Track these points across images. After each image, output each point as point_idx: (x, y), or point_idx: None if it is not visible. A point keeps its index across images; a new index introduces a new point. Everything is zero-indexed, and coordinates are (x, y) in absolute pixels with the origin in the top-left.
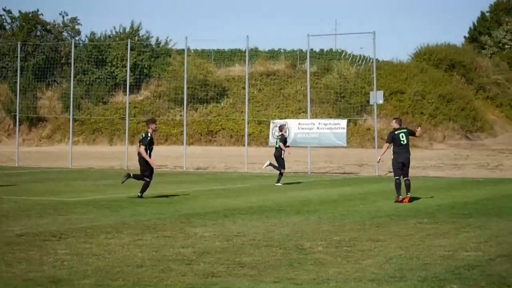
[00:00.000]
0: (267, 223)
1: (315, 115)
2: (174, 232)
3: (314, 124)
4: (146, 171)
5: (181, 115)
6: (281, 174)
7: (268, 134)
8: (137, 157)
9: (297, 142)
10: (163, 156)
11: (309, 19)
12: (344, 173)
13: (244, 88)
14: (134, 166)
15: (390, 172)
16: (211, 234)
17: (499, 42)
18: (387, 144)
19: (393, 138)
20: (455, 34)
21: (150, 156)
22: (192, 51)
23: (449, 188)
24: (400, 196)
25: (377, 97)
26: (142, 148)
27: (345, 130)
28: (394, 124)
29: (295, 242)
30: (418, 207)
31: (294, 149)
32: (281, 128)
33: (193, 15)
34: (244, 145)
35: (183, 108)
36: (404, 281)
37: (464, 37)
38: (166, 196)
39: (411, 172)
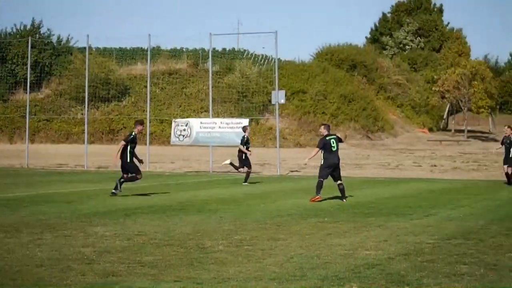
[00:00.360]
0: (168, 222)
1: (217, 114)
2: (74, 231)
3: (216, 123)
4: (127, 168)
5: (82, 114)
6: (248, 173)
7: (170, 133)
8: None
9: (199, 141)
10: (64, 154)
11: (211, 18)
12: None
13: (146, 86)
14: (34, 165)
15: (292, 171)
16: (112, 233)
17: (400, 43)
18: (317, 149)
19: (324, 144)
20: (357, 35)
21: (133, 155)
22: (94, 49)
23: (351, 188)
24: (320, 196)
25: (278, 96)
26: (122, 143)
27: None
28: (323, 130)
29: (196, 241)
30: (320, 206)
31: (195, 148)
32: (244, 129)
33: (95, 13)
34: (146, 144)
35: (85, 106)
36: (305, 280)
37: (366, 37)
38: (67, 194)
39: (309, 171)
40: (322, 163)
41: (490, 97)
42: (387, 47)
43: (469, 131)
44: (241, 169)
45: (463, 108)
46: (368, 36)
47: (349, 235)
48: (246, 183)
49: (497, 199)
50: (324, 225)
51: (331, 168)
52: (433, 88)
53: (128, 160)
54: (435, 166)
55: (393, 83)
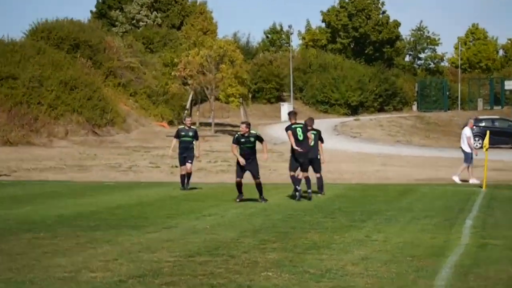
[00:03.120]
0: None
1: None
2: None
3: None
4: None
5: None
6: None
7: None
8: None
9: None
10: None
11: None
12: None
13: None
14: None
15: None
16: None
17: (133, 18)
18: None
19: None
20: (80, 9)
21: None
22: None
23: (72, 195)
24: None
25: None
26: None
27: None
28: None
29: None
30: (34, 218)
31: None
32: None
33: None
34: None
35: None
36: None
37: (91, 11)
38: None
39: (22, 174)
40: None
41: (242, 83)
42: (117, 23)
43: (217, 124)
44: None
45: (209, 96)
46: (94, 10)
47: (71, 254)
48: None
49: (251, 207)
50: (40, 241)
51: (300, 160)
52: (173, 73)
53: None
54: (176, 166)
55: (124, 66)
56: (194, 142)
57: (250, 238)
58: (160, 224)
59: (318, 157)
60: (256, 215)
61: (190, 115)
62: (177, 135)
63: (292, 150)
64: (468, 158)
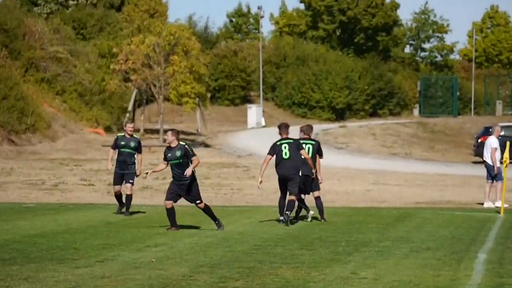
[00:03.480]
0: None
1: None
2: None
3: None
4: None
5: None
6: None
7: None
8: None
9: None
10: None
11: None
12: None
13: None
14: None
15: None
16: None
17: None
18: (267, 157)
19: (274, 151)
20: None
21: None
22: None
23: None
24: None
25: None
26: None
27: None
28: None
29: None
30: None
31: None
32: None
33: None
34: None
35: None
36: None
37: None
38: None
39: None
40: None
41: (198, 80)
42: (40, 1)
43: (167, 131)
44: None
45: (157, 96)
46: None
47: None
48: None
49: (207, 235)
50: None
51: (283, 182)
52: (112, 66)
53: None
54: None
55: (49, 57)
56: (135, 155)
57: (207, 274)
58: (93, 256)
59: (313, 175)
60: (214, 246)
61: (132, 119)
62: (115, 145)
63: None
64: (499, 173)
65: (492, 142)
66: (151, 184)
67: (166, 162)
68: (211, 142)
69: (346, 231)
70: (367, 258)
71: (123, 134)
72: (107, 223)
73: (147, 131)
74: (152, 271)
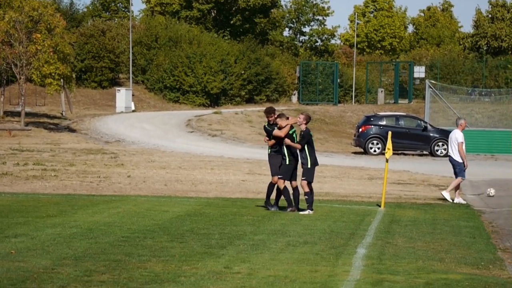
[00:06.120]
0: None
1: None
2: None
3: None
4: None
5: None
6: None
7: None
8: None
9: None
10: None
11: None
12: None
13: None
14: None
15: None
16: None
17: None
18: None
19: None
20: None
21: None
22: None
23: None
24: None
25: None
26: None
27: None
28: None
29: None
30: None
31: None
32: None
33: None
34: None
35: None
36: None
37: None
38: None
39: None
40: (287, 162)
41: (63, 60)
42: None
43: (29, 114)
44: None
45: (18, 77)
46: None
47: None
48: None
49: (72, 226)
50: None
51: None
52: None
53: None
54: None
55: None
56: None
57: (70, 267)
58: None
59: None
60: (78, 237)
61: None
62: None
63: (292, 153)
64: (461, 169)
65: (457, 136)
66: (11, 170)
67: None
68: (76, 126)
69: (220, 223)
70: (241, 252)
71: None
72: None
73: (7, 113)
74: (12, 263)
